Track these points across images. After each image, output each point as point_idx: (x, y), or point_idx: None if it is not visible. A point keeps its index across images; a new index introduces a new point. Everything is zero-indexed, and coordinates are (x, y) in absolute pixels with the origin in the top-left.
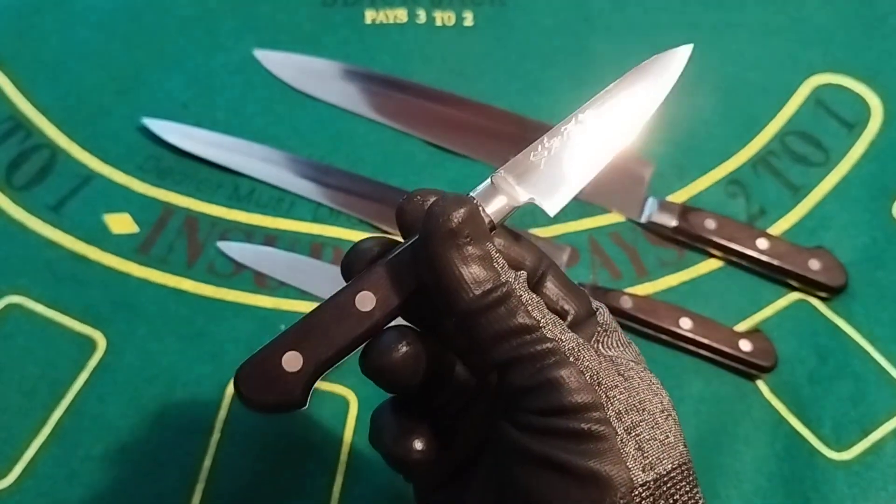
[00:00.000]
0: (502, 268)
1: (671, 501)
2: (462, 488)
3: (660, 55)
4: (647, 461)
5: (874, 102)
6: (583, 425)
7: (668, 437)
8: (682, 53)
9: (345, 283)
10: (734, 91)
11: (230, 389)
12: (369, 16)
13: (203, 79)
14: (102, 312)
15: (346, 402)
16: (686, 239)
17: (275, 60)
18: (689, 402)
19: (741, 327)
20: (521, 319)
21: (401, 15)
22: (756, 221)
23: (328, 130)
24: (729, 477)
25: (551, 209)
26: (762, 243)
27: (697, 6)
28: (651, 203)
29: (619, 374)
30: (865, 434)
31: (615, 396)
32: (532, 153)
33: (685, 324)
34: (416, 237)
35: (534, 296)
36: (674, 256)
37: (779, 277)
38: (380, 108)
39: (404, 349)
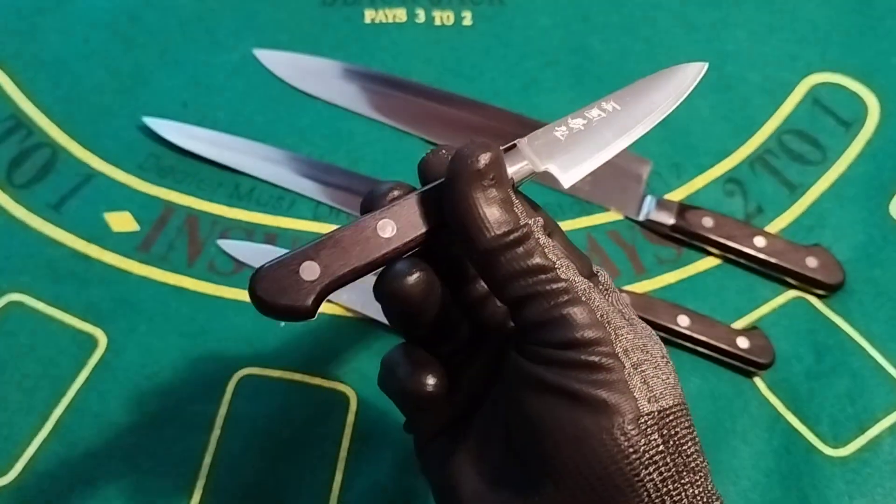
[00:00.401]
0: (521, 212)
1: (673, 433)
2: (459, 437)
3: (678, 66)
4: (651, 394)
5: (871, 101)
6: (593, 357)
7: (669, 378)
8: (698, 68)
9: None
10: (732, 90)
11: (231, 386)
12: (369, 15)
13: (203, 78)
14: (103, 310)
15: (347, 398)
16: (684, 237)
17: (274, 60)
18: (686, 399)
19: (739, 325)
20: (538, 260)
21: (400, 14)
22: (753, 219)
23: (328, 129)
24: (726, 473)
25: (566, 181)
26: (759, 241)
27: (695, 5)
28: (649, 201)
29: (624, 319)
30: (862, 430)
31: (622, 335)
32: (555, 128)
33: (683, 321)
34: (441, 180)
35: (550, 240)
36: (672, 254)
37: (776, 275)
38: (379, 106)
39: (417, 275)
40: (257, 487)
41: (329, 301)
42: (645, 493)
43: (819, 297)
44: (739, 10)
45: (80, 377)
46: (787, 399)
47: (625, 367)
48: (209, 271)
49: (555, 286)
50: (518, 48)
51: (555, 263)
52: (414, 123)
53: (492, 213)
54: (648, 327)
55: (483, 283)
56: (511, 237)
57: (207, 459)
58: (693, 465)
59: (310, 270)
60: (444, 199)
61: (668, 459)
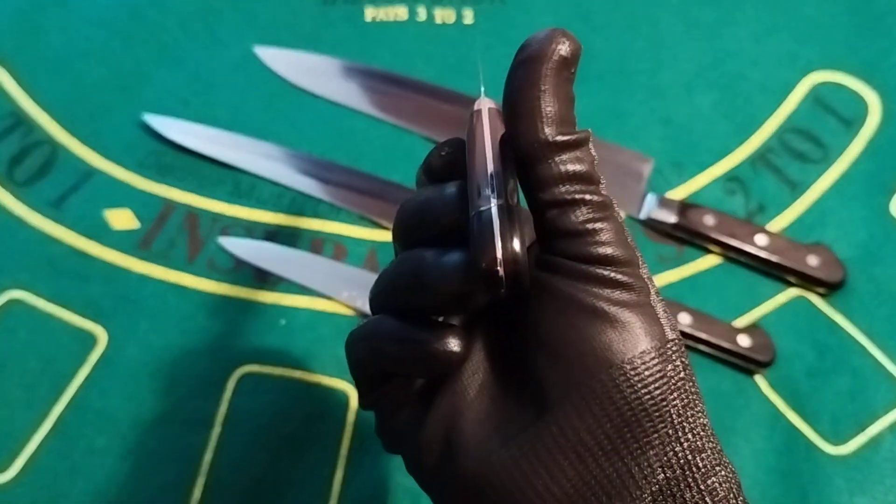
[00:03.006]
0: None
1: (687, 362)
2: (440, 393)
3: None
4: (670, 323)
5: (872, 100)
6: (624, 277)
7: (672, 315)
8: None
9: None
10: (733, 88)
11: (231, 384)
12: (369, 13)
13: (204, 75)
14: (103, 307)
15: (347, 396)
16: (685, 235)
17: (275, 57)
18: None
19: (740, 323)
20: (588, 168)
21: (401, 12)
22: (755, 218)
23: (328, 127)
24: None
25: None
26: (761, 239)
27: (696, 4)
28: (650, 199)
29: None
30: (863, 428)
31: (644, 265)
32: None
33: (684, 319)
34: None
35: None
36: (673, 252)
37: (777, 273)
38: (380, 104)
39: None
40: (258, 484)
41: (329, 298)
42: (668, 419)
43: (820, 295)
44: (740, 9)
45: (80, 374)
46: (787, 397)
47: (650, 292)
48: (209, 269)
49: (596, 199)
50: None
51: (601, 179)
52: (414, 121)
53: (558, 108)
54: None
55: None
56: (571, 138)
57: (208, 456)
58: (699, 396)
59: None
60: (511, 81)
61: (688, 386)
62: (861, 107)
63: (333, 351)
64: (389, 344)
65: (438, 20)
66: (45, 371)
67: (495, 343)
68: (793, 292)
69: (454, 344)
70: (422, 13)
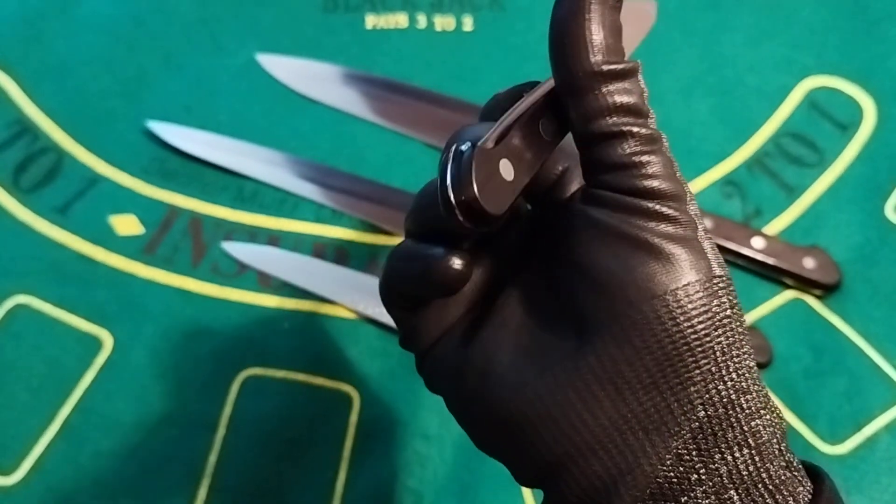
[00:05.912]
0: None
1: (736, 301)
2: (475, 325)
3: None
4: (718, 261)
5: (867, 104)
6: (670, 211)
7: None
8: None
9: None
10: (729, 93)
11: (235, 387)
12: (370, 21)
13: (206, 82)
14: (109, 312)
15: (350, 398)
16: None
17: (277, 64)
18: None
19: None
20: (637, 100)
21: (401, 20)
22: (752, 221)
23: (330, 133)
24: None
25: None
26: (758, 242)
27: (693, 9)
28: None
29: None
30: (859, 428)
31: (692, 200)
32: None
33: None
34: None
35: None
36: None
37: (774, 276)
38: (381, 111)
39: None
40: (262, 486)
41: (331, 302)
42: (712, 355)
43: (817, 297)
44: (737, 15)
45: (86, 378)
46: (785, 398)
47: (697, 227)
48: (213, 273)
49: (645, 131)
50: (518, 53)
51: (650, 112)
52: (415, 127)
53: (604, 36)
54: None
55: None
56: (618, 67)
57: (212, 459)
58: (746, 337)
59: (507, 170)
60: (556, 13)
61: (734, 325)
62: (856, 111)
63: (336, 354)
64: (400, 262)
65: (438, 27)
66: (51, 375)
67: (538, 278)
68: (789, 294)
69: (455, 262)
70: (422, 21)
